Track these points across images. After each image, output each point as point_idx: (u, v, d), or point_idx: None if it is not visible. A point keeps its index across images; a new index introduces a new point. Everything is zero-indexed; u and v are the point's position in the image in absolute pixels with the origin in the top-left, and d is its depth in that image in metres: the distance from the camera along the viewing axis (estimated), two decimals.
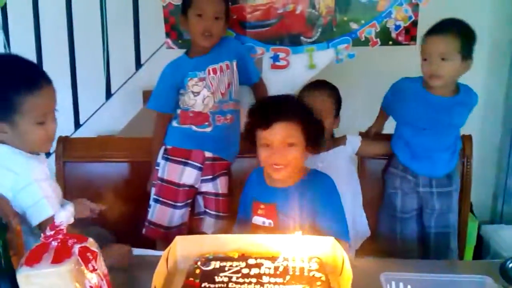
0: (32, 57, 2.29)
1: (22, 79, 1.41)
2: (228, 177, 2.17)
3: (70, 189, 2.05)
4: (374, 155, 2.19)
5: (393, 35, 2.24)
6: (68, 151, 2.13)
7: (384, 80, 2.09)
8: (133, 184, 2.17)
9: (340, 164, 2.07)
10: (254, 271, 1.36)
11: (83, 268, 1.05)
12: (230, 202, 2.14)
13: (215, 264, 1.40)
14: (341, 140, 2.09)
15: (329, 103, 2.03)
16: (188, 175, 2.08)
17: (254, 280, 1.31)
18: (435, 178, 2.05)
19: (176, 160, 2.07)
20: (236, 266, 1.39)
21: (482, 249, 2.95)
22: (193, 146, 2.07)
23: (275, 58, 2.26)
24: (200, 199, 2.17)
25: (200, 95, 2.02)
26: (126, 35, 2.32)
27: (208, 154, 2.07)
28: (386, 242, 2.15)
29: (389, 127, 2.17)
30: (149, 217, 2.07)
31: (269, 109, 1.64)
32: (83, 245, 1.09)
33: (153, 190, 2.10)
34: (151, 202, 2.07)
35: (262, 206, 1.72)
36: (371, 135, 2.19)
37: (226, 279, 1.32)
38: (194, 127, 2.07)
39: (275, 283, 1.29)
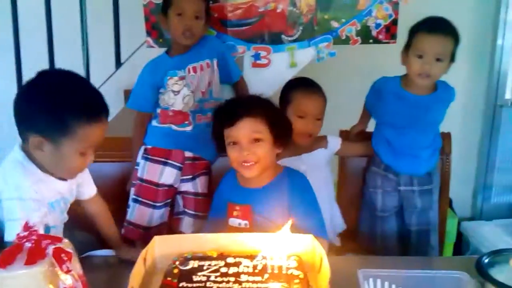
0: (10, 55, 2.27)
1: (85, 107, 1.38)
2: (208, 176, 2.16)
3: None
4: (354, 155, 2.19)
5: (374, 33, 2.25)
6: None
7: (365, 78, 2.10)
8: (114, 184, 2.15)
9: (320, 165, 2.06)
10: (233, 270, 1.35)
11: (57, 269, 1.04)
12: (209, 202, 2.12)
13: (194, 264, 1.39)
14: (322, 141, 2.07)
15: (323, 105, 1.99)
16: (168, 175, 2.07)
17: (232, 279, 1.31)
18: (416, 176, 2.06)
19: (156, 160, 2.06)
20: (215, 265, 1.38)
21: (462, 246, 2.98)
22: (173, 146, 2.06)
23: (256, 56, 2.26)
24: (179, 198, 2.16)
25: (180, 94, 2.01)
26: (106, 33, 2.30)
27: (188, 153, 2.07)
28: (366, 241, 2.17)
29: (370, 125, 2.18)
30: (128, 217, 2.05)
31: (233, 107, 1.66)
32: (57, 246, 1.07)
33: (132, 190, 2.09)
34: (130, 202, 2.05)
35: (237, 208, 1.70)
36: (353, 134, 2.20)
37: (204, 278, 1.31)
38: (174, 126, 2.06)
39: (253, 282, 1.29)
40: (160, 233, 1.81)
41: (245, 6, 2.24)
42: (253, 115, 1.61)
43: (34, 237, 1.05)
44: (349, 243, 2.13)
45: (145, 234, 2.02)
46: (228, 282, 1.29)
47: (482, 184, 3.17)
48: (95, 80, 2.34)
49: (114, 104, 2.22)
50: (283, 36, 2.25)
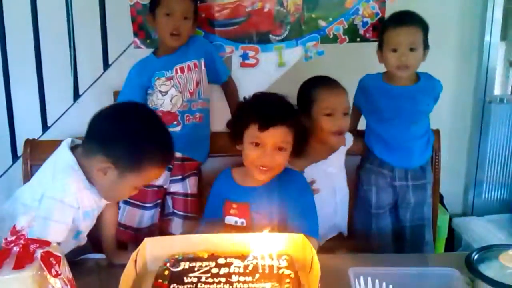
0: None
1: (163, 159, 1.50)
2: (198, 177, 2.15)
3: None
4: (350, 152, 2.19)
5: (361, 31, 2.26)
6: (35, 154, 2.07)
7: (353, 77, 2.10)
8: None
9: (343, 164, 2.06)
10: (224, 270, 1.35)
11: (46, 273, 1.03)
12: (199, 202, 2.12)
13: (185, 265, 1.39)
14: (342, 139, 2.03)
15: (347, 99, 1.95)
16: None
17: (223, 279, 1.30)
18: (411, 170, 2.08)
19: None
20: (206, 266, 1.38)
21: (454, 242, 2.99)
22: None
23: (245, 56, 2.26)
24: (169, 199, 2.15)
25: (168, 95, 2.01)
26: (93, 34, 2.29)
27: (177, 154, 2.05)
28: (361, 238, 2.16)
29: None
30: (118, 219, 2.03)
31: (271, 110, 1.63)
32: (46, 250, 1.07)
33: None
34: (121, 204, 2.03)
35: (234, 206, 1.71)
36: None
37: (195, 280, 1.31)
38: None
39: (244, 282, 1.29)
40: (151, 234, 1.81)
41: (232, 6, 2.23)
42: (286, 125, 1.62)
43: (21, 241, 1.04)
44: (343, 242, 2.13)
45: (136, 236, 2.02)
46: (219, 282, 1.29)
47: (473, 180, 3.17)
48: (84, 82, 2.35)
49: (104, 106, 2.21)
50: (271, 35, 2.25)
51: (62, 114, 2.31)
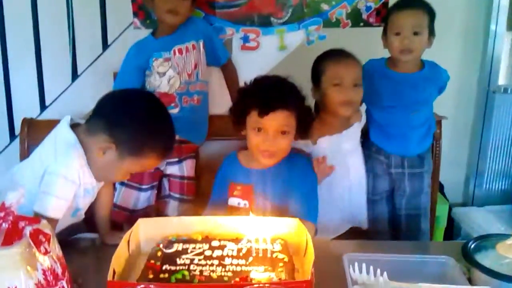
0: None
1: (164, 150, 1.53)
2: (196, 160, 2.14)
3: None
4: None
5: (364, 16, 2.22)
6: (33, 134, 2.06)
7: None
8: None
9: (358, 141, 2.05)
10: (217, 253, 1.34)
11: (35, 251, 1.02)
12: (196, 185, 2.11)
13: (178, 247, 1.38)
14: (357, 114, 2.01)
15: (358, 70, 1.93)
16: None
17: (216, 262, 1.30)
18: (407, 158, 2.05)
19: None
20: (199, 248, 1.37)
21: (453, 231, 2.98)
22: None
23: (245, 39, 2.22)
24: (165, 182, 2.14)
25: (165, 76, 1.98)
26: (92, 13, 2.26)
27: None
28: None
29: None
30: (114, 200, 2.02)
31: (270, 95, 1.62)
32: (35, 227, 1.05)
33: None
34: (117, 185, 2.02)
35: (238, 188, 1.72)
36: None
37: (188, 261, 1.30)
38: None
39: (237, 265, 1.28)
40: (147, 216, 1.80)
41: None
42: (287, 108, 1.61)
43: (10, 218, 1.03)
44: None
45: (131, 217, 2.00)
46: (212, 265, 1.28)
47: (474, 170, 3.16)
48: (83, 62, 2.32)
49: (103, 86, 2.18)
50: (272, 18, 2.21)
51: (60, 94, 2.29)
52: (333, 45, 2.07)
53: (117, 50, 2.25)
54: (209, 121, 2.14)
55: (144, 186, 2.04)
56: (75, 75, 2.30)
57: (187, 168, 2.10)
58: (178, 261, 1.30)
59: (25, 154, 2.06)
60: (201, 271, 1.25)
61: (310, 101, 1.98)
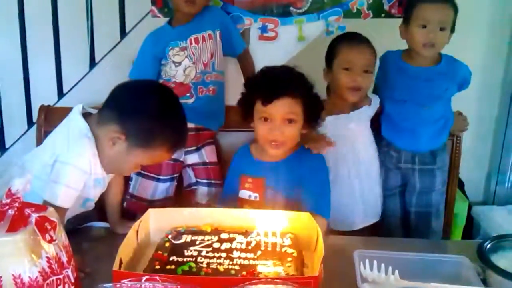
0: (14, 24, 2.24)
1: (174, 145, 1.52)
2: (214, 146, 2.12)
3: None
4: None
5: (386, 7, 2.17)
6: (50, 121, 2.08)
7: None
8: None
9: (367, 123, 2.02)
10: (226, 245, 1.34)
11: (40, 238, 1.02)
12: (220, 169, 2.10)
13: (187, 238, 1.38)
14: (366, 98, 2.00)
15: (371, 57, 1.93)
16: None
17: (224, 254, 1.29)
18: (418, 154, 2.01)
19: None
20: (208, 240, 1.37)
21: (472, 231, 2.92)
22: None
23: (263, 29, 2.19)
24: (189, 171, 2.11)
25: (181, 65, 1.96)
26: (110, 1, 2.25)
27: (190, 125, 2.00)
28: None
29: None
30: (130, 190, 2.01)
31: (273, 83, 1.61)
32: (41, 214, 1.05)
33: None
34: (133, 175, 2.00)
35: (249, 180, 1.71)
36: None
37: (195, 253, 1.30)
38: None
39: (245, 258, 1.27)
40: (164, 207, 1.79)
41: None
42: (291, 95, 1.60)
43: (17, 205, 1.03)
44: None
45: (149, 207, 1.98)
46: (219, 257, 1.28)
47: (496, 167, 3.08)
48: (101, 50, 2.32)
49: (121, 75, 2.19)
50: (291, 8, 2.17)
51: (78, 82, 2.30)
52: None
53: (135, 39, 2.24)
54: (226, 112, 2.11)
55: (162, 177, 2.01)
56: (92, 63, 2.30)
57: (207, 154, 2.08)
58: (186, 253, 1.30)
59: (41, 141, 2.07)
60: (208, 264, 1.24)
61: (323, 84, 1.97)
